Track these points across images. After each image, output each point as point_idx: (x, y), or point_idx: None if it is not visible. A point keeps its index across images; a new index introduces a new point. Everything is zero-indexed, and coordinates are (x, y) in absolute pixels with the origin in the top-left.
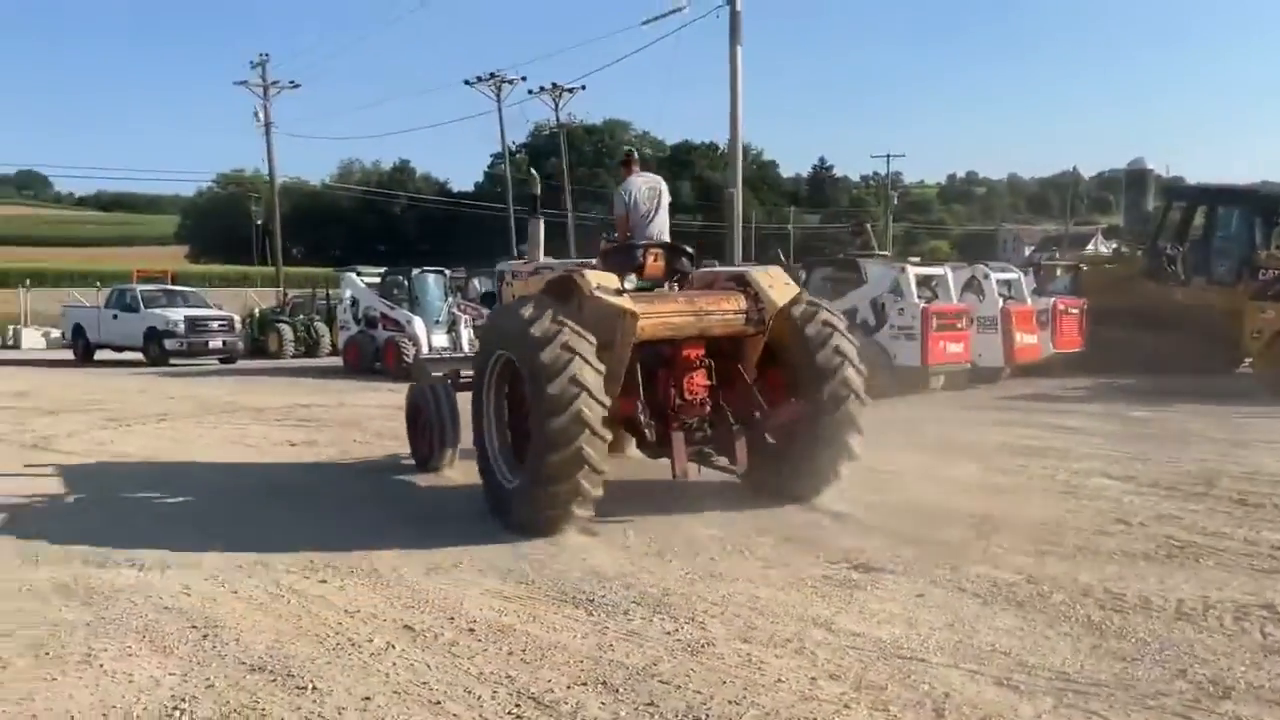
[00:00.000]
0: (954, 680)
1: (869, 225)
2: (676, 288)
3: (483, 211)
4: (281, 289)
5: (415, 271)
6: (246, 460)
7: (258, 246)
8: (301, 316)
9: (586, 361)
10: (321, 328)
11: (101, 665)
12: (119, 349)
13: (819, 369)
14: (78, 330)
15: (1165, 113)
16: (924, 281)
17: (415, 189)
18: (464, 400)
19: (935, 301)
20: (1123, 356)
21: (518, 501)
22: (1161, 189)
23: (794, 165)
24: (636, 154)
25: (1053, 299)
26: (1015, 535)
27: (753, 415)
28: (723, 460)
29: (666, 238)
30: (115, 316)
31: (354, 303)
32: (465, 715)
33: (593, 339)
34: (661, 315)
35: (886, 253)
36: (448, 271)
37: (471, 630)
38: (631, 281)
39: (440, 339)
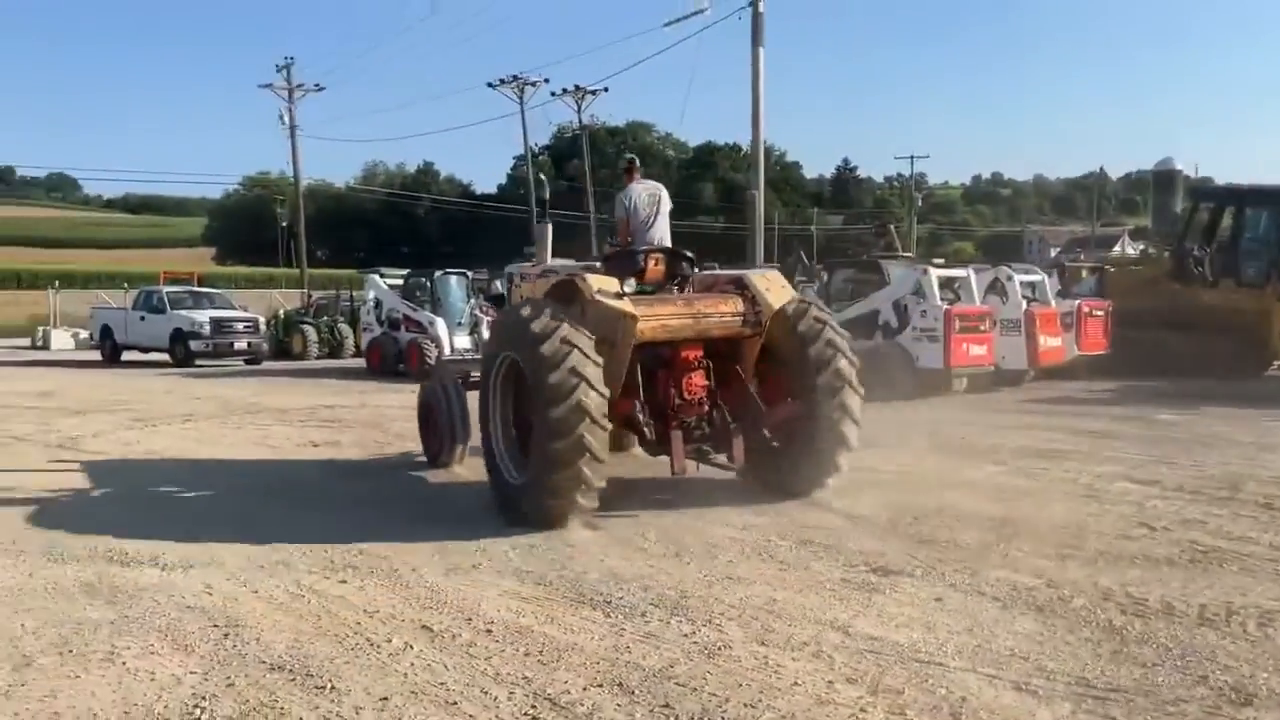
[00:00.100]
0: (972, 685)
1: (892, 226)
2: (677, 291)
3: (505, 213)
4: (306, 290)
5: (438, 273)
6: (269, 461)
7: (283, 248)
8: (325, 318)
9: (585, 355)
10: (345, 329)
11: (124, 663)
12: (145, 350)
13: (812, 362)
14: (105, 331)
15: (1194, 112)
16: (947, 283)
17: (439, 191)
18: (474, 399)
19: (958, 303)
20: (1149, 359)
21: (523, 496)
22: (1189, 189)
23: (817, 166)
24: (638, 162)
25: (1077, 301)
26: (1036, 539)
27: (750, 414)
28: (721, 458)
29: (668, 243)
30: (142, 318)
31: (377, 304)
32: (481, 716)
33: (591, 336)
34: (660, 318)
35: (910, 254)
36: (470, 273)
37: (489, 631)
38: (631, 285)
39: (463, 340)
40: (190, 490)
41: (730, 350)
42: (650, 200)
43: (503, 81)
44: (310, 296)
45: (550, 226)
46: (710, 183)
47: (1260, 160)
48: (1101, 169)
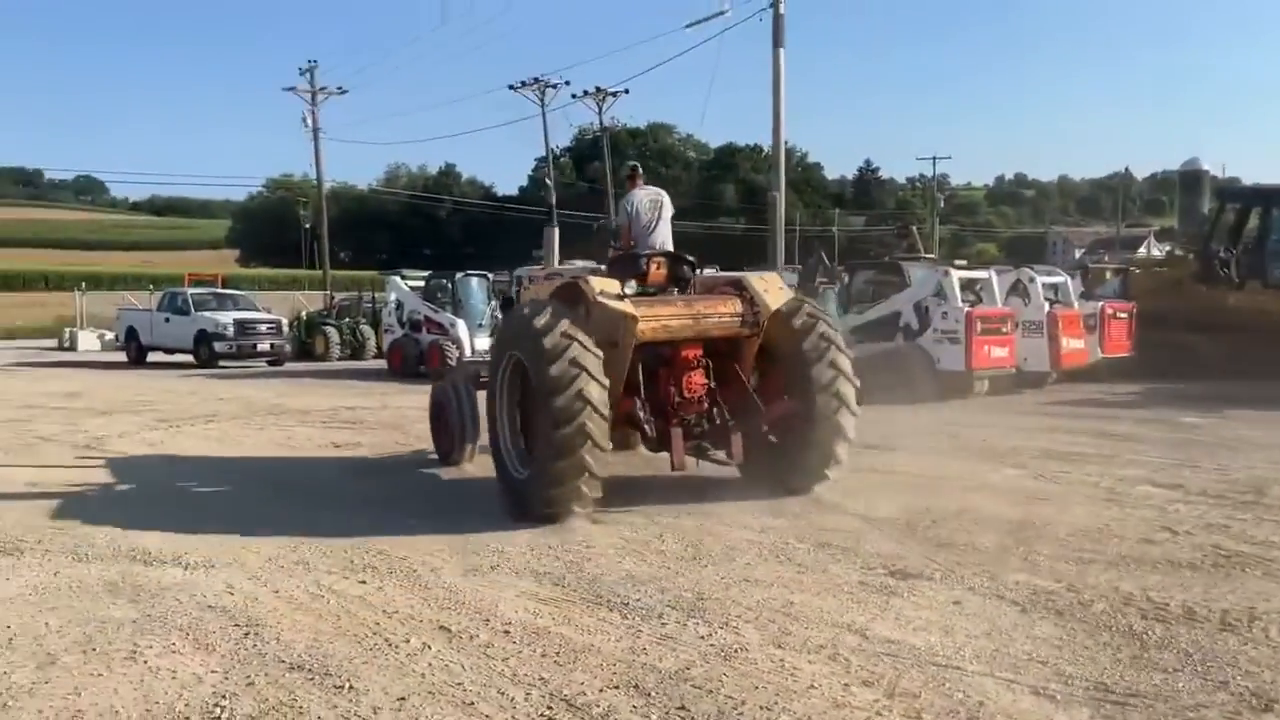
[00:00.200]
0: (989, 689)
1: (915, 228)
2: (677, 293)
3: (527, 215)
4: (328, 292)
5: (459, 275)
6: (291, 462)
7: (306, 250)
8: (347, 319)
9: (585, 347)
10: (367, 330)
11: (146, 662)
12: (170, 351)
13: (807, 355)
14: (131, 333)
15: (1221, 112)
16: (968, 285)
17: (460, 193)
18: (484, 399)
19: (979, 305)
20: (1173, 362)
21: (528, 489)
22: (1216, 190)
23: (839, 167)
24: (640, 169)
25: (1101, 303)
26: (1056, 543)
27: (749, 412)
28: (720, 454)
29: (669, 246)
30: (167, 319)
31: (399, 306)
32: (498, 716)
33: (589, 332)
34: (660, 318)
35: (932, 255)
36: (491, 275)
37: (506, 632)
38: (632, 287)
39: (483, 342)
40: (213, 490)
41: (729, 350)
42: (652, 205)
43: (524, 84)
44: (333, 298)
45: (557, 230)
46: (731, 184)
47: None
48: (1127, 169)
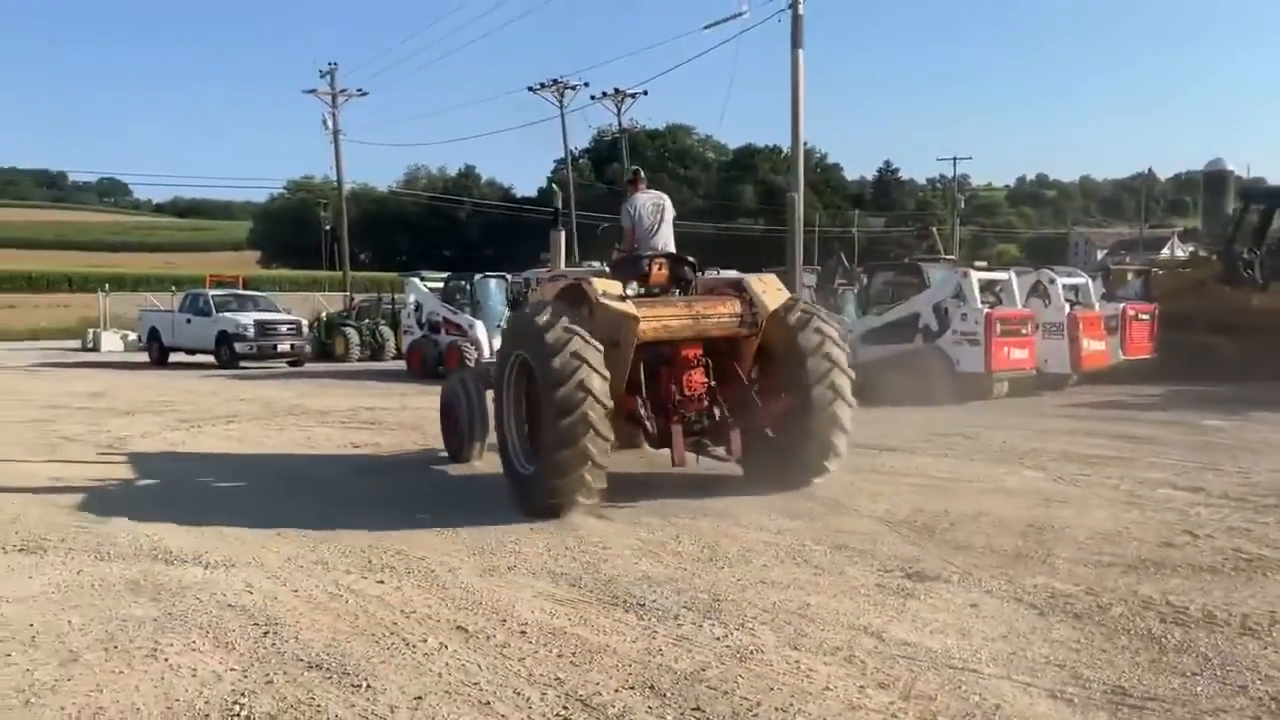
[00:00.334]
0: (1006, 691)
1: (935, 229)
2: (679, 294)
3: (546, 216)
4: (348, 293)
5: (477, 276)
6: (310, 463)
7: (326, 251)
8: (367, 320)
9: (586, 341)
10: (386, 331)
11: (167, 660)
12: (192, 352)
13: (803, 350)
14: (153, 333)
15: (1246, 111)
16: (988, 286)
17: (480, 194)
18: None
19: (999, 307)
20: (1196, 364)
21: (533, 482)
22: (1240, 190)
23: (858, 168)
24: (642, 173)
25: (1122, 304)
26: (1075, 546)
27: (748, 409)
28: (719, 450)
29: (671, 248)
30: (188, 320)
31: (418, 307)
32: (514, 716)
33: (592, 332)
34: (662, 319)
35: (953, 256)
36: (509, 276)
37: (523, 632)
38: (634, 288)
39: None
40: (233, 490)
41: (729, 349)
42: (654, 209)
43: (543, 85)
44: (352, 299)
45: (563, 233)
46: (750, 185)
47: None
48: (1150, 169)
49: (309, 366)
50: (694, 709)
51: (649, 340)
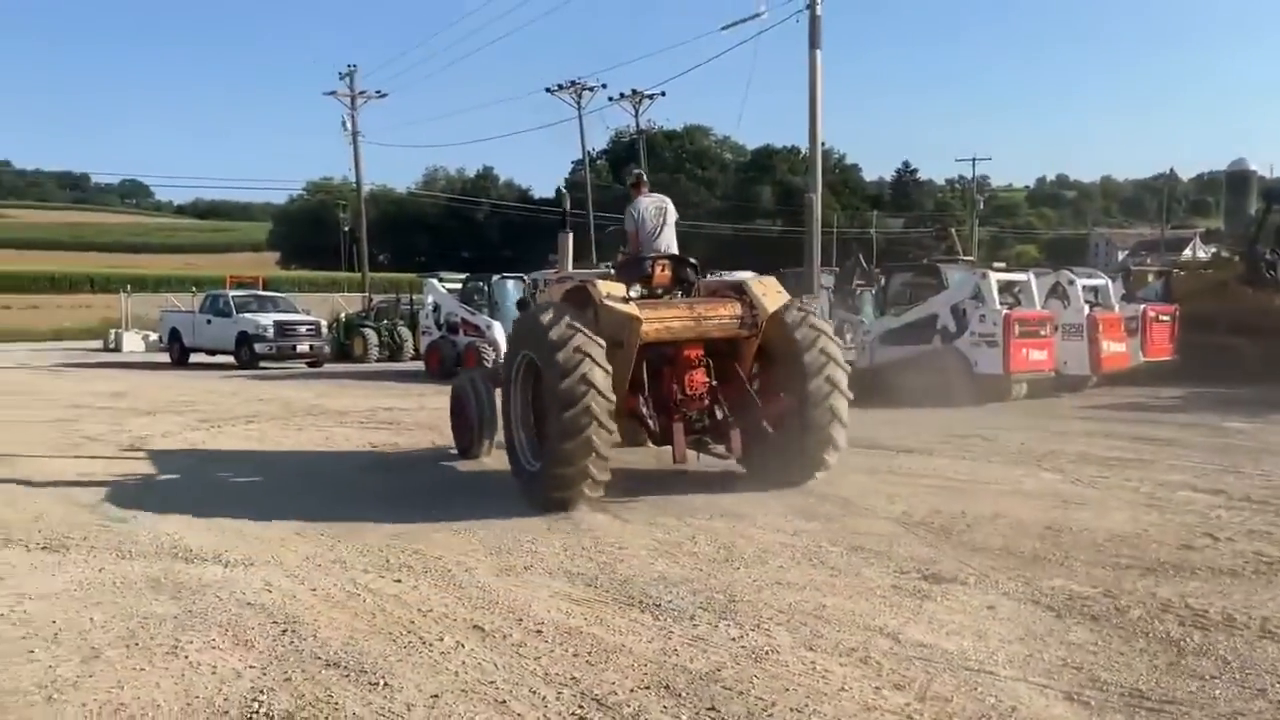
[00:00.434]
0: (1022, 694)
1: (953, 230)
2: (681, 295)
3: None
4: (367, 294)
5: (495, 277)
6: (329, 462)
7: (345, 252)
8: (385, 321)
9: (588, 336)
10: (405, 332)
11: (187, 657)
12: (212, 352)
13: (800, 347)
14: (174, 334)
15: (1270, 111)
16: (1006, 287)
17: (498, 195)
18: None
19: (1018, 308)
20: (1217, 365)
21: (539, 477)
22: (1263, 190)
23: (877, 169)
24: (644, 176)
25: (1143, 305)
26: (1094, 548)
27: (748, 408)
28: (720, 448)
29: (674, 251)
30: (209, 321)
31: (436, 308)
32: (530, 715)
33: (597, 332)
34: (664, 320)
35: (971, 258)
36: (527, 277)
37: (539, 631)
38: (637, 290)
39: None
40: (252, 489)
41: (730, 349)
42: (657, 212)
43: (561, 86)
44: (371, 300)
45: (571, 236)
46: (768, 186)
47: None
48: (1172, 170)
49: (328, 367)
50: (709, 709)
51: (651, 341)
